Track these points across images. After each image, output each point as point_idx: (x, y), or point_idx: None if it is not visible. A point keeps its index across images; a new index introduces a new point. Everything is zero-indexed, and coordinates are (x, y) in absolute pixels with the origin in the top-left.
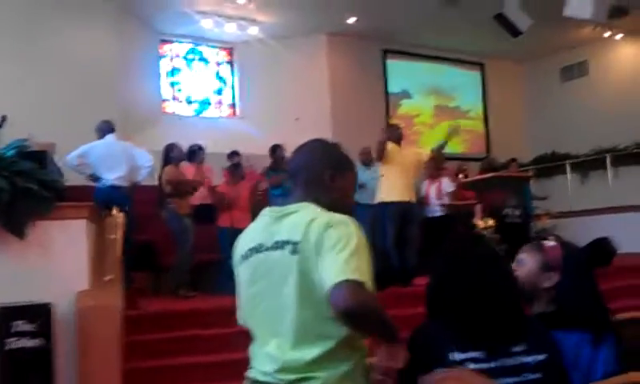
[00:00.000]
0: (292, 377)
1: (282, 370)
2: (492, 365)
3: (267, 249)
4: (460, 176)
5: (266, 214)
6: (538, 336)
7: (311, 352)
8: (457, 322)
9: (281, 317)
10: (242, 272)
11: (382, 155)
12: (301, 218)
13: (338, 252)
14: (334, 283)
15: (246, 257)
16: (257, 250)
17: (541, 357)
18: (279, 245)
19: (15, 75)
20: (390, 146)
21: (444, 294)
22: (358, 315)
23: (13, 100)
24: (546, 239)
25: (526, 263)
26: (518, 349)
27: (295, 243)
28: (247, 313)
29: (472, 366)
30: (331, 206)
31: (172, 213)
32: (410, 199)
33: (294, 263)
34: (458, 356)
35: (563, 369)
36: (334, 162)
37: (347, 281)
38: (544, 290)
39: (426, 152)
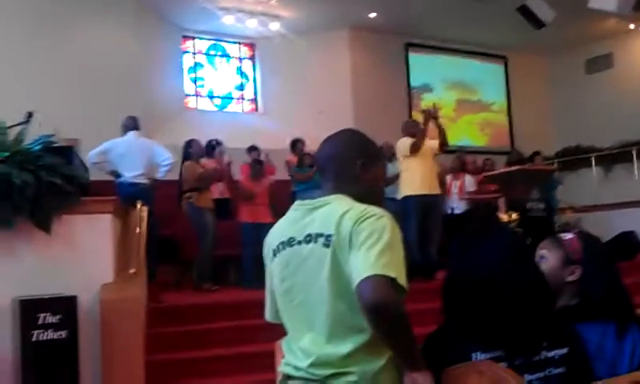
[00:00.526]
0: (327, 372)
1: (317, 364)
2: (516, 362)
3: (299, 242)
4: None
5: (297, 207)
6: (558, 330)
7: (346, 346)
8: (478, 322)
9: (315, 311)
10: (274, 267)
11: (420, 146)
12: (333, 210)
13: (370, 246)
14: (363, 277)
15: (277, 251)
16: (288, 243)
17: (563, 350)
18: (312, 238)
19: (40, 73)
20: (411, 141)
21: (461, 290)
22: (382, 311)
23: (38, 97)
24: (564, 232)
25: (547, 259)
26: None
27: (328, 236)
28: (281, 307)
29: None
30: (363, 197)
31: (192, 207)
32: (433, 191)
33: (327, 256)
34: (481, 356)
35: (586, 360)
36: (365, 152)
37: (376, 276)
38: (568, 284)
39: (435, 142)
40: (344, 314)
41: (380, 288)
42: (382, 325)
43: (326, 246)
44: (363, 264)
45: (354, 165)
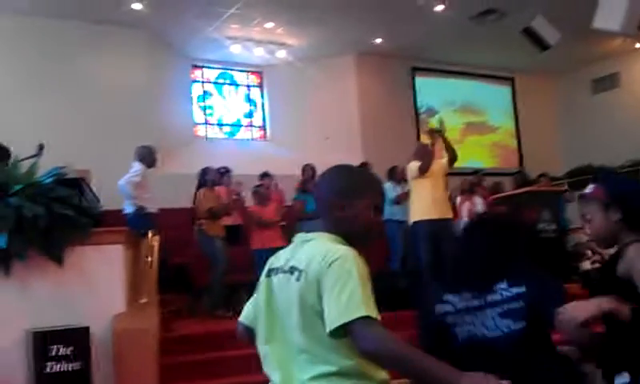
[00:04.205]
0: None
1: None
2: (477, 302)
3: (284, 271)
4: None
5: (296, 238)
6: (517, 272)
7: (309, 374)
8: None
9: (287, 340)
10: (264, 286)
11: (428, 166)
12: (312, 248)
13: (339, 292)
14: (343, 323)
15: (271, 273)
16: (276, 271)
17: (521, 289)
18: (291, 270)
19: (51, 104)
20: (417, 163)
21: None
22: (375, 354)
23: (49, 128)
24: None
25: (592, 218)
26: (501, 285)
27: (300, 271)
28: (259, 333)
29: (462, 304)
30: (347, 236)
31: (204, 234)
32: (444, 215)
33: (297, 289)
34: (452, 298)
35: (544, 297)
36: (344, 192)
37: (356, 320)
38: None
39: (445, 160)
40: (311, 346)
41: (363, 333)
42: (382, 365)
43: (297, 280)
44: (336, 309)
45: (332, 206)
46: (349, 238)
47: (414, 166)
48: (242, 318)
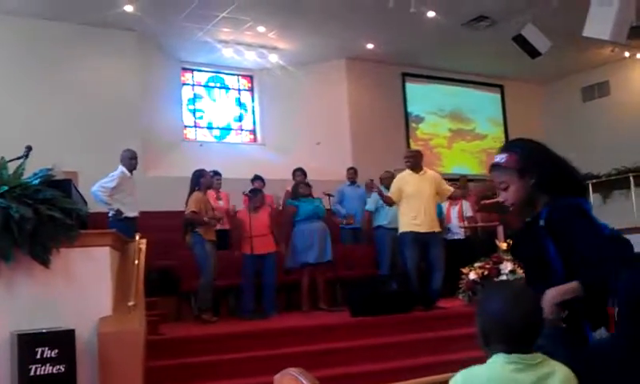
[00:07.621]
0: None
1: None
2: None
3: None
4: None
5: (506, 363)
6: None
7: None
8: None
9: None
10: None
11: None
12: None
13: None
14: None
15: None
16: None
17: None
18: None
19: (40, 105)
20: (406, 174)
21: None
22: None
23: (37, 130)
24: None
25: (509, 185)
26: None
27: None
28: None
29: None
30: None
31: (197, 237)
32: (430, 229)
33: None
34: None
35: None
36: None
37: None
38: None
39: (448, 188)
40: None
41: None
42: None
43: None
44: None
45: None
46: None
47: (397, 182)
48: None
